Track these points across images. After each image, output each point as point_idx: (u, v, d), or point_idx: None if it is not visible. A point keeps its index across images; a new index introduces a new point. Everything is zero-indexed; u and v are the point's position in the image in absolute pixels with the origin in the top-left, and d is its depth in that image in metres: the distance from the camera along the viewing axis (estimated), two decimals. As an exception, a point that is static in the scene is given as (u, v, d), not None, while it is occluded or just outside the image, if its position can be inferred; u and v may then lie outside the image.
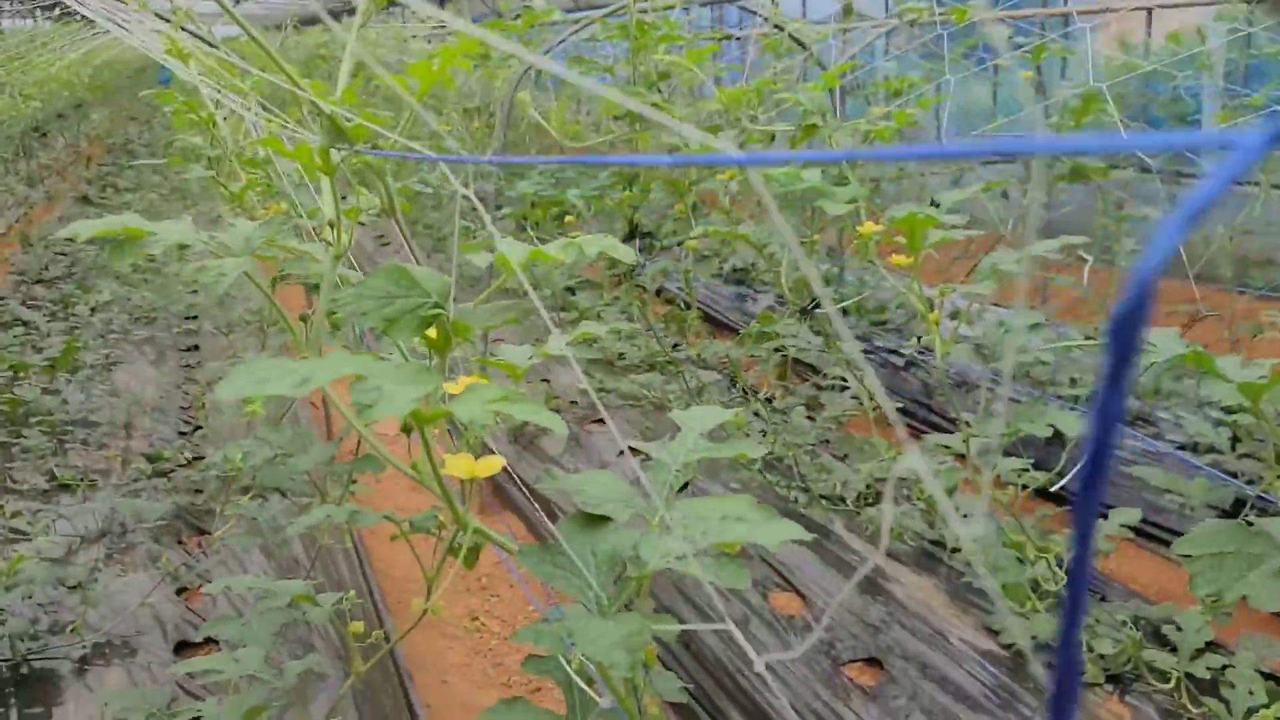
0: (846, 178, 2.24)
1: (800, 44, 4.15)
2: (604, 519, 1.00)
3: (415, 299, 1.02)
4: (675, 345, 4.98)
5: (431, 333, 1.04)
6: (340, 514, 1.41)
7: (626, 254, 1.12)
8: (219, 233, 1.12)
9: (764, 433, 3.68)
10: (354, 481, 2.21)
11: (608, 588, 0.94)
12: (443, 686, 3.25)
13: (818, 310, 2.63)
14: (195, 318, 5.85)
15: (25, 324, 5.37)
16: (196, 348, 5.56)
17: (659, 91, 3.12)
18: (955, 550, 3.07)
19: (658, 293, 5.74)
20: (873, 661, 2.84)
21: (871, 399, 2.80)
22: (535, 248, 1.10)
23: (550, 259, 1.10)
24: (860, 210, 2.14)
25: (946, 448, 2.06)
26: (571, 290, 5.78)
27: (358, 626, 1.63)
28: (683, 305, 4.86)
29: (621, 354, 5.11)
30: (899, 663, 2.80)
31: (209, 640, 2.95)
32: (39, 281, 6.38)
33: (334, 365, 0.84)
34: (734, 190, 2.58)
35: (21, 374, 4.50)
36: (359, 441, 2.21)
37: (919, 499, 3.08)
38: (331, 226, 1.18)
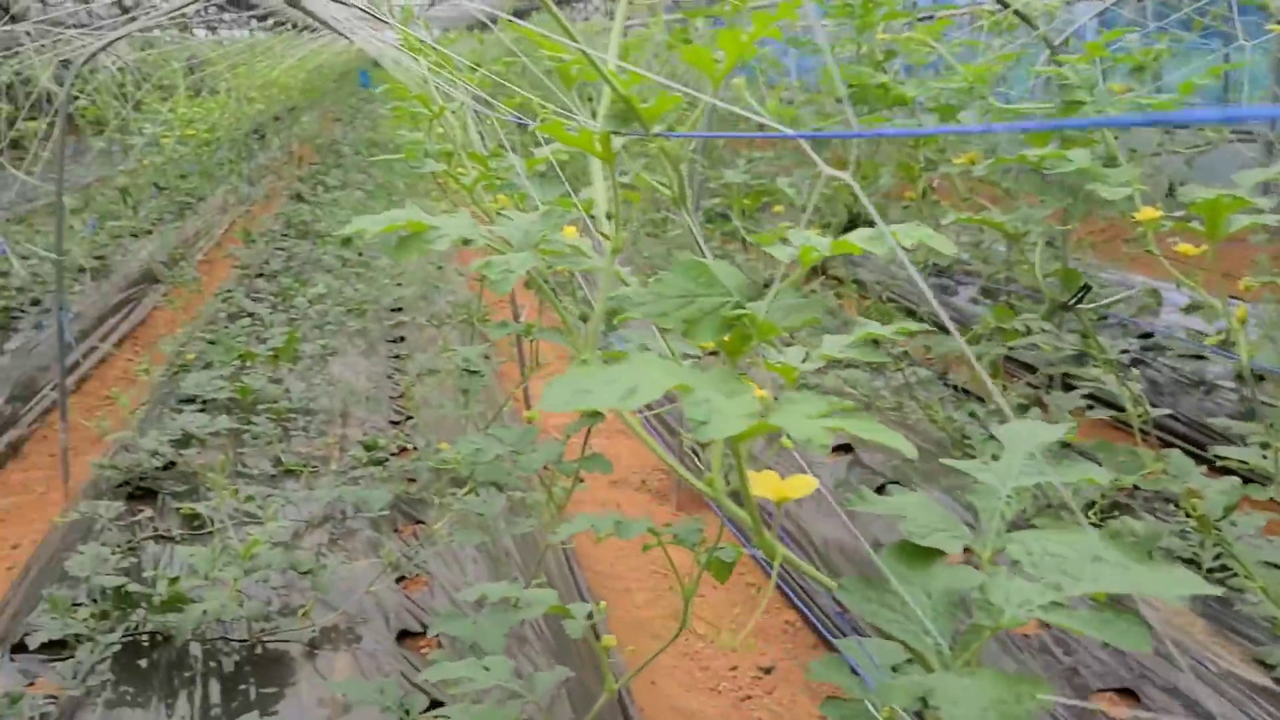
0: (1116, 158, 2.02)
1: (1026, 20, 3.87)
2: (932, 552, 0.87)
3: (716, 297, 0.92)
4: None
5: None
6: (604, 524, 1.34)
7: (945, 245, 0.99)
8: (497, 226, 1.05)
9: (990, 437, 3.44)
10: (581, 481, 2.15)
11: (946, 635, 0.81)
12: (651, 689, 3.19)
13: (1077, 306, 2.40)
14: (400, 309, 6.05)
15: (250, 315, 5.68)
16: (403, 339, 5.74)
17: (884, 71, 2.94)
18: (1218, 571, 2.76)
19: (856, 283, 5.54)
20: (1125, 692, 2.59)
21: (1137, 404, 2.54)
22: (840, 239, 0.98)
23: (857, 250, 0.98)
24: (1135, 195, 1.91)
25: (1243, 462, 1.82)
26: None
27: (611, 640, 1.56)
28: (882, 299, 4.64)
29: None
30: (1156, 694, 2.53)
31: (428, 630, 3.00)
32: (260, 275, 6.74)
33: (657, 375, 0.75)
34: (981, 174, 2.39)
35: (249, 363, 4.74)
36: (585, 441, 2.15)
37: (1179, 513, 2.79)
38: (609, 218, 1.09)
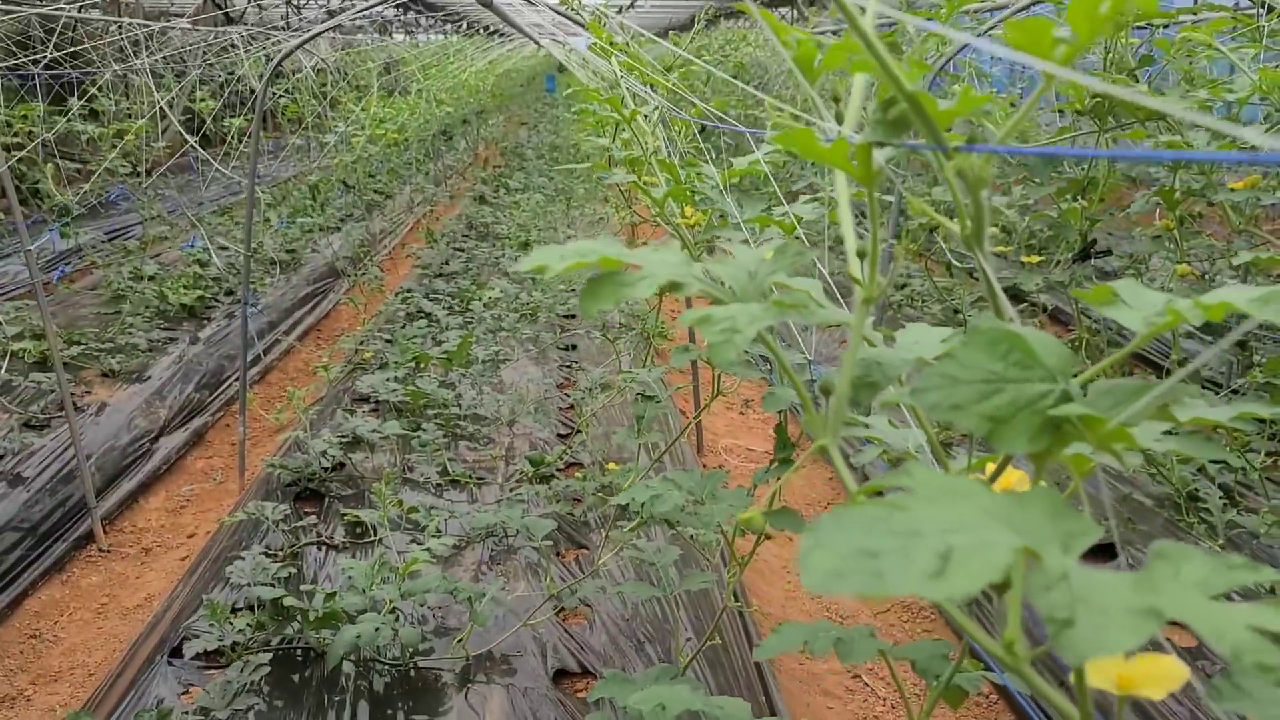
0: None
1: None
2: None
3: (1036, 384, 0.64)
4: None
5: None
6: (820, 639, 1.08)
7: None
8: (714, 265, 0.80)
9: (1228, 501, 2.96)
10: (768, 538, 1.89)
11: None
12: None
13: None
14: (573, 316, 5.93)
15: (427, 316, 5.68)
16: (574, 347, 5.61)
17: (1135, 79, 2.54)
18: None
19: (1046, 311, 5.03)
20: None
21: None
22: (1223, 300, 0.69)
23: (1252, 312, 0.69)
24: None
25: None
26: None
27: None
28: (1089, 331, 4.16)
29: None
30: None
31: (586, 672, 2.80)
32: (439, 275, 6.78)
33: (974, 525, 0.48)
34: (1264, 203, 1.98)
35: (423, 366, 4.70)
36: (774, 496, 1.88)
37: None
38: (861, 258, 0.83)
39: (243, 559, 2.87)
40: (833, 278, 1.68)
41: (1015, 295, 4.35)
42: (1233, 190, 2.15)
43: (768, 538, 1.88)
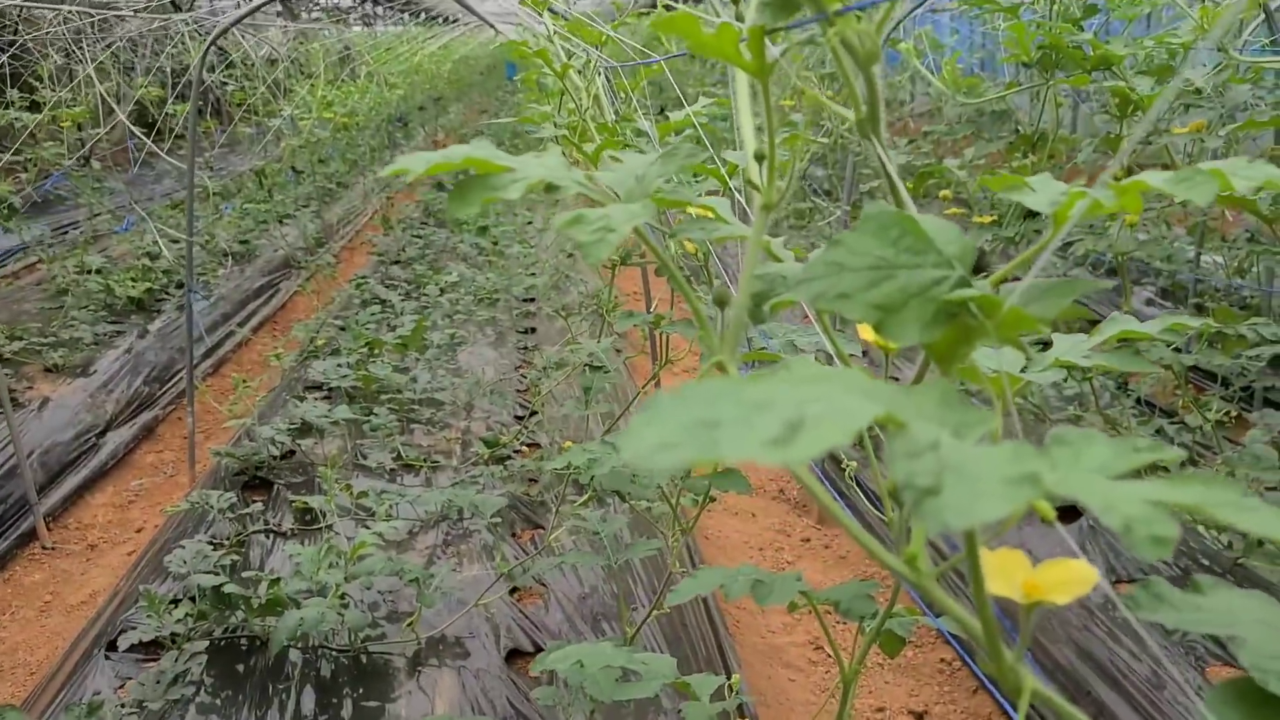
0: None
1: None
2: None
3: (930, 270, 0.58)
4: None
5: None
6: (737, 583, 1.02)
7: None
8: (600, 172, 0.74)
9: (1191, 461, 2.94)
10: (713, 500, 1.83)
11: None
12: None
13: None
14: (533, 300, 5.85)
15: (382, 303, 5.58)
16: (534, 330, 5.54)
17: (1082, 29, 2.50)
18: None
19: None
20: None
21: None
22: (1136, 180, 0.63)
23: (1161, 190, 0.62)
24: None
25: None
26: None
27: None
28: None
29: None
30: None
31: (540, 650, 2.74)
32: (396, 262, 6.67)
33: (839, 398, 0.42)
34: (1218, 144, 1.92)
35: (377, 351, 4.60)
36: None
37: None
38: (760, 161, 0.77)
39: (183, 548, 2.78)
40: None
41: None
42: (1176, 134, 2.11)
43: (713, 500, 1.83)
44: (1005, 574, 0.54)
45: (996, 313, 0.56)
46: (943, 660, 3.11)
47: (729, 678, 2.79)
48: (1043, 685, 0.56)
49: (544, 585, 2.98)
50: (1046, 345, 0.89)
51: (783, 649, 3.18)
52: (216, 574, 2.77)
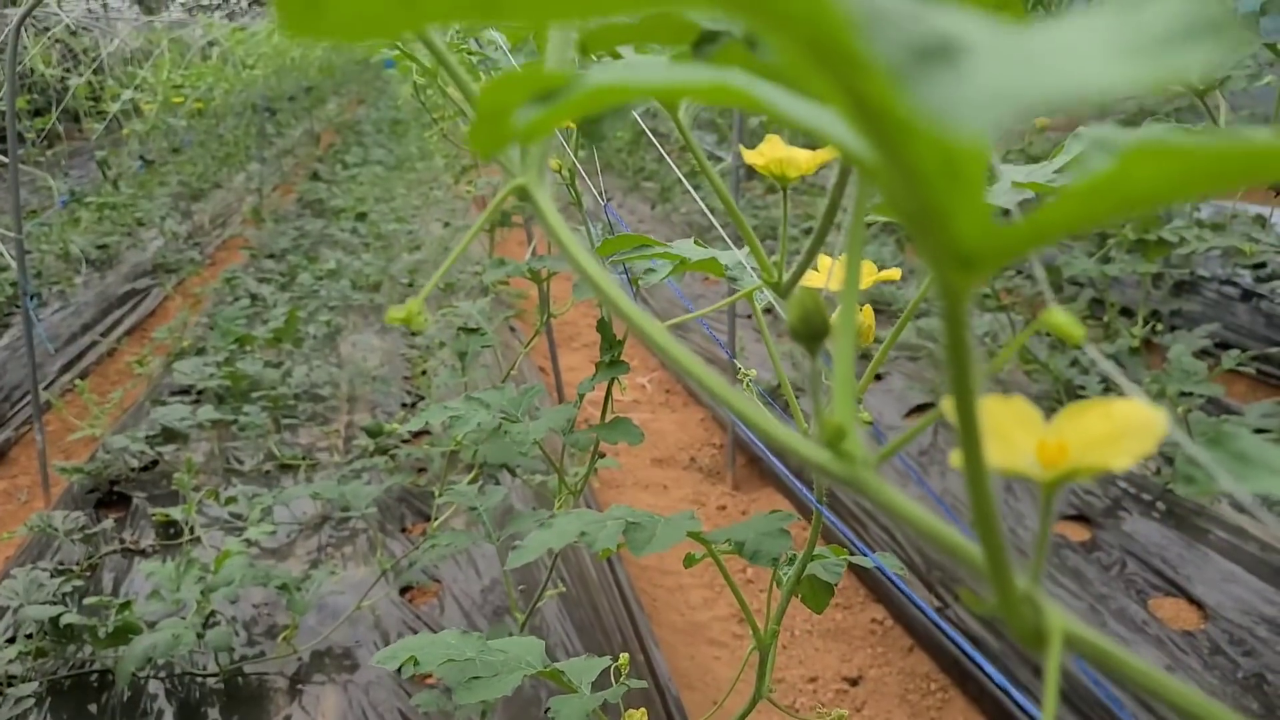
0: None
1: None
2: None
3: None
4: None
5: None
6: (602, 533, 0.77)
7: None
8: None
9: (1105, 388, 2.80)
10: (601, 455, 1.59)
11: None
12: (712, 709, 2.63)
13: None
14: (411, 285, 5.52)
15: (254, 297, 5.18)
16: (422, 314, 5.21)
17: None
18: None
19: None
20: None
21: None
22: None
23: None
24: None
25: None
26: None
27: (637, 716, 1.00)
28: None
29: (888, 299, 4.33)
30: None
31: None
32: (270, 256, 6.26)
33: None
34: None
35: (248, 347, 4.24)
36: (605, 406, 1.58)
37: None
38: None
39: (14, 578, 2.42)
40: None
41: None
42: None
43: (602, 455, 1.58)
44: (1004, 434, 0.30)
45: None
46: (874, 620, 2.93)
47: (649, 662, 2.56)
48: (1071, 619, 0.32)
49: (438, 581, 2.70)
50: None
51: (705, 625, 2.96)
52: (58, 602, 2.43)
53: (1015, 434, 0.31)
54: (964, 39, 0.19)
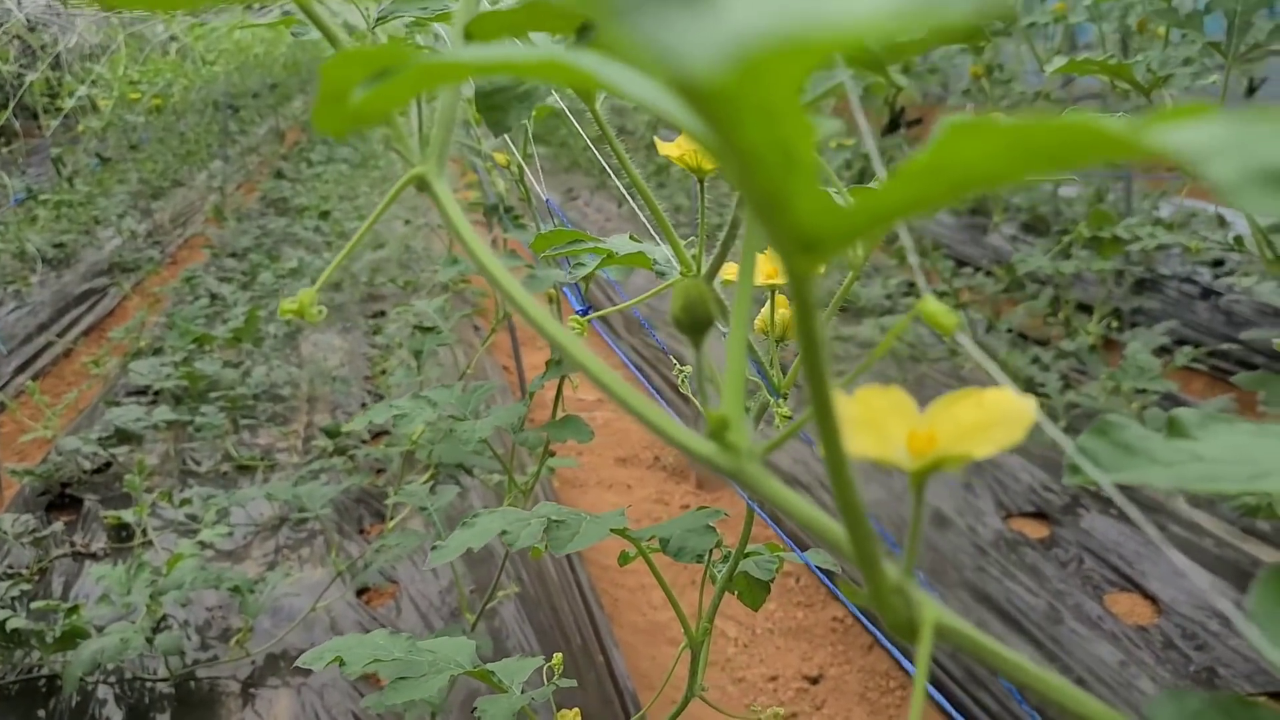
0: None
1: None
2: None
3: None
4: (910, 287, 4.16)
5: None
6: (524, 530, 0.76)
7: None
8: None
9: (1064, 385, 2.83)
10: (552, 454, 1.57)
11: None
12: (671, 709, 2.62)
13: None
14: (371, 283, 5.47)
15: (214, 297, 5.12)
16: (384, 313, 5.17)
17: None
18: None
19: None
20: None
21: None
22: None
23: None
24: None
25: None
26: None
27: (569, 716, 0.98)
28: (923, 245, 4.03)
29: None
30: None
31: (392, 654, 2.44)
32: (231, 255, 6.19)
33: None
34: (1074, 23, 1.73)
35: (207, 347, 4.18)
36: (556, 404, 1.57)
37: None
38: None
39: (-42, 582, 2.38)
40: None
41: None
42: (1039, 25, 1.95)
43: (552, 454, 1.57)
44: (875, 424, 0.29)
45: None
46: (835, 619, 2.94)
47: (608, 663, 2.55)
48: (943, 610, 0.31)
49: (395, 583, 2.67)
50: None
51: (666, 625, 2.96)
52: (5, 607, 2.38)
53: (889, 423, 0.30)
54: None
